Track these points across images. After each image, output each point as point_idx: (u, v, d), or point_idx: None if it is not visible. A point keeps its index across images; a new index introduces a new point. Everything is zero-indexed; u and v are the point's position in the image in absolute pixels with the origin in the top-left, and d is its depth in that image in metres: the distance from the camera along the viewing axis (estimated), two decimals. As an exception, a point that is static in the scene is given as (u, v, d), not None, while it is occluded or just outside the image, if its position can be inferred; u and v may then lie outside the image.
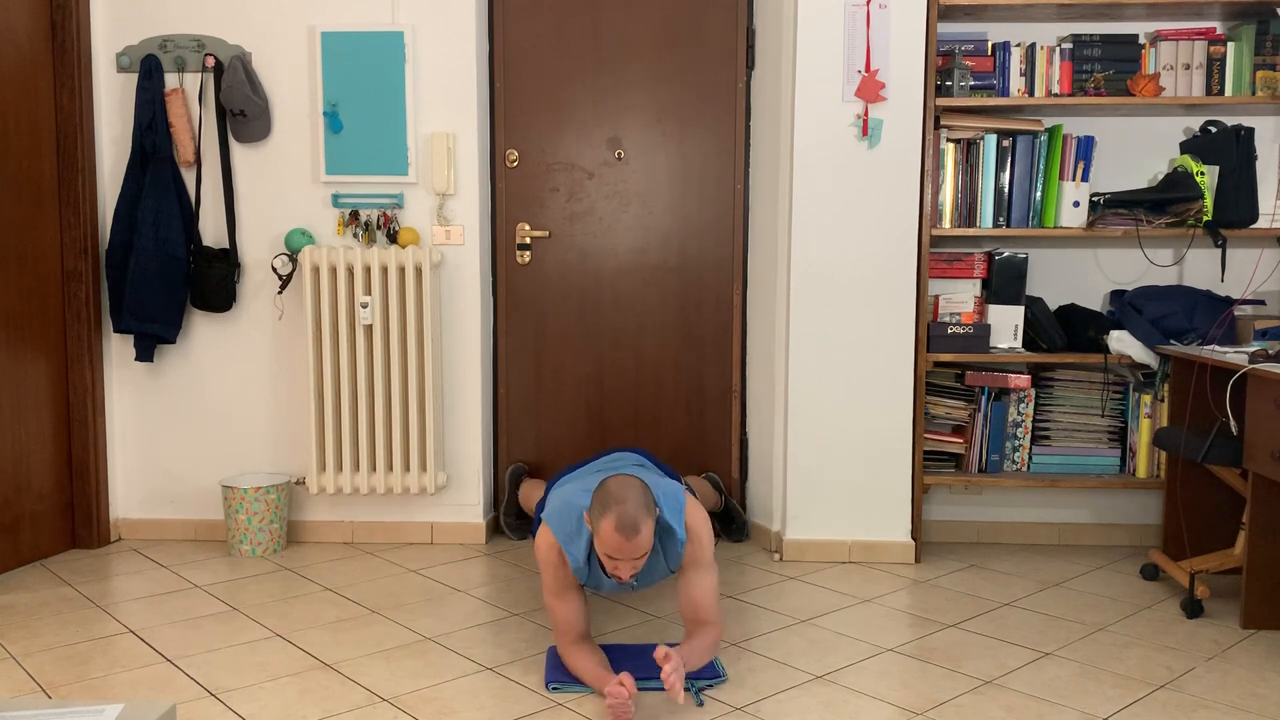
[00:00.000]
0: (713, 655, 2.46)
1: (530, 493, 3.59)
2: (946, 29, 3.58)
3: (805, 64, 3.39)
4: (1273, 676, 2.56)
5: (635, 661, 2.58)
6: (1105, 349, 3.45)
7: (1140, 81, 3.39)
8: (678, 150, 3.76)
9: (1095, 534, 3.74)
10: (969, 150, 3.47)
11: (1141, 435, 3.50)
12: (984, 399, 3.54)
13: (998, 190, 3.47)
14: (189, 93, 3.63)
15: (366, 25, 3.57)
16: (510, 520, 3.75)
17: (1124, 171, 3.66)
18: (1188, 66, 3.45)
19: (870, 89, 3.37)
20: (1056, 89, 3.46)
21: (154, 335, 3.60)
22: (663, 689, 2.41)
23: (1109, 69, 3.45)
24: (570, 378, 3.83)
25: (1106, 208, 3.43)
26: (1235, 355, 3.00)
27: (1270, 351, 2.87)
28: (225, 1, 3.61)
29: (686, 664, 2.35)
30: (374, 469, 3.60)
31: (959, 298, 3.53)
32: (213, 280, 3.61)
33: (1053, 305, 3.71)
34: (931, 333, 3.46)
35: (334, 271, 3.53)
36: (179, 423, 3.75)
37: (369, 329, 3.56)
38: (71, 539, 3.67)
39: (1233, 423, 3.01)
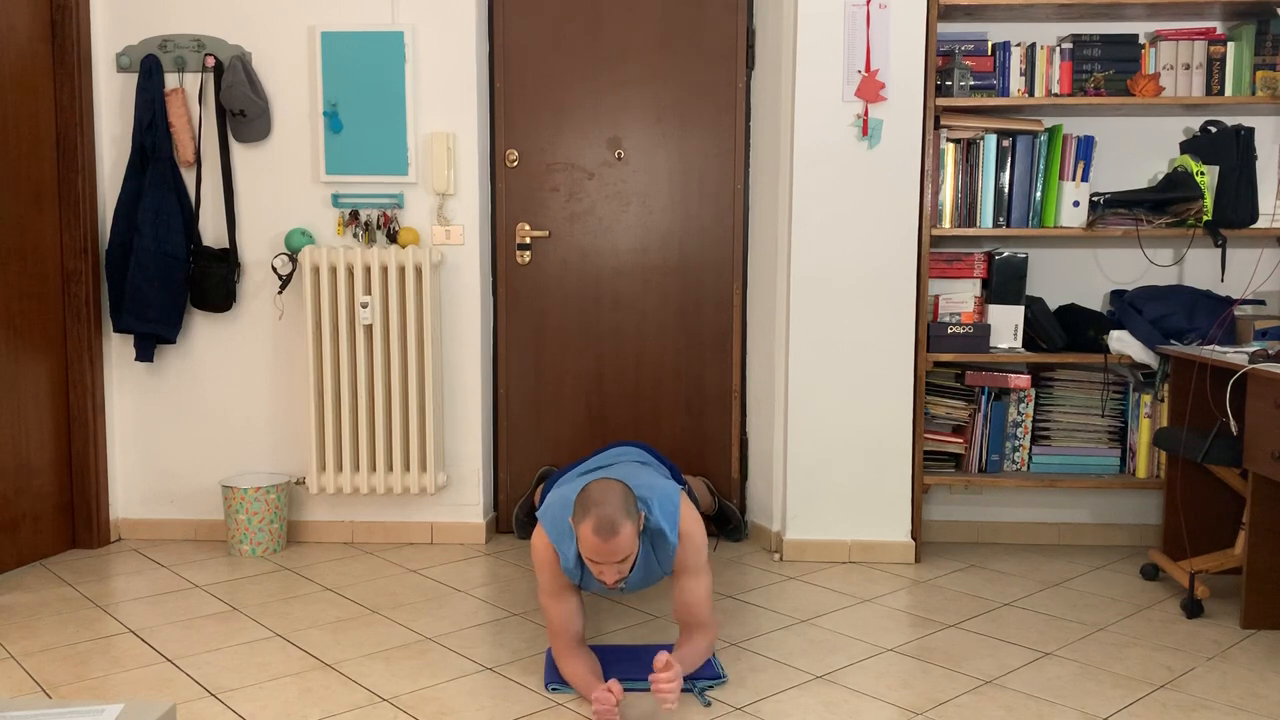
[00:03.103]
0: (708, 656, 2.47)
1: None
2: (946, 29, 3.58)
3: (805, 64, 3.39)
4: (1273, 676, 2.56)
5: (634, 662, 2.59)
6: (1105, 349, 3.45)
7: (1140, 81, 3.39)
8: (678, 150, 3.76)
9: (1095, 534, 3.74)
10: (969, 150, 3.47)
11: (1141, 435, 3.50)
12: (984, 399, 3.54)
13: (998, 190, 3.47)
14: (189, 93, 3.63)
15: (366, 25, 3.57)
16: (520, 517, 3.75)
17: (1124, 171, 3.66)
18: (1188, 66, 3.44)
19: (870, 89, 3.37)
20: (1056, 89, 3.46)
21: (154, 335, 3.61)
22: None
23: (1109, 69, 3.45)
24: (570, 377, 3.83)
25: (1106, 208, 3.43)
26: (1235, 355, 3.00)
27: (1270, 351, 2.87)
28: (225, 1, 3.61)
29: (685, 668, 2.36)
30: (374, 469, 3.60)
31: (959, 297, 3.53)
32: (212, 280, 3.61)
33: (1053, 305, 3.71)
34: (931, 333, 3.46)
35: (334, 271, 3.53)
36: (179, 423, 3.76)
37: (369, 329, 3.56)
38: (71, 539, 3.67)
39: (1233, 423, 3.01)
